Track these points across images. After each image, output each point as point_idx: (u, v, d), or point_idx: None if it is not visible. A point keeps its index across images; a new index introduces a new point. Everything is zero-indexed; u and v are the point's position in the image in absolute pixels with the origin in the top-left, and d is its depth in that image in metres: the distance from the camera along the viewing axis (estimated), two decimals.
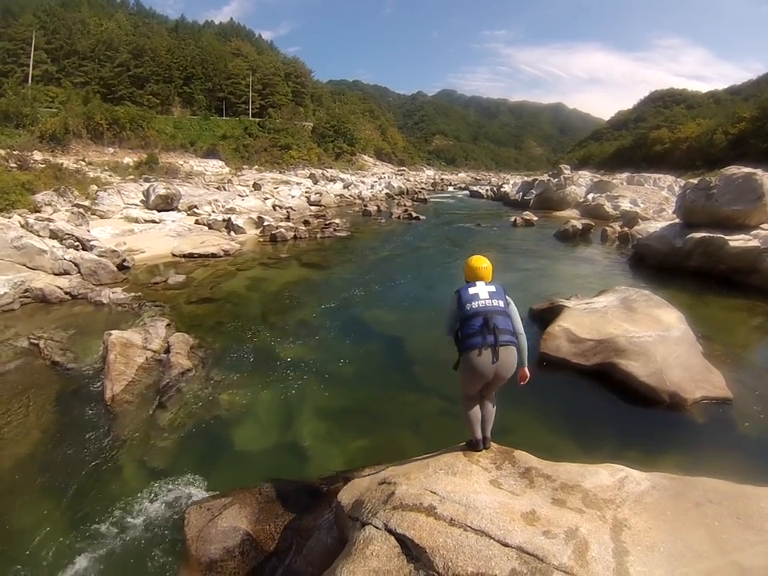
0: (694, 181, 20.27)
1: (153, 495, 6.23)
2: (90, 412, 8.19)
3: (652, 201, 35.71)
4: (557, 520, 3.35)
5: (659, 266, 18.47)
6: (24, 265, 14.69)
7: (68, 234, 17.31)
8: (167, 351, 9.90)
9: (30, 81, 51.21)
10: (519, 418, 8.04)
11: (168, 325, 11.38)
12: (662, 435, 7.55)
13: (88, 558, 5.29)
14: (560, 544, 3.10)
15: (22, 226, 16.57)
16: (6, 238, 14.74)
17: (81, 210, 22.47)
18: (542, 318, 11.70)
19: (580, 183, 41.19)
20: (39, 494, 6.35)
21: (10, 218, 17.99)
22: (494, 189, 58.54)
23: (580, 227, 27.07)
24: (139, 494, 6.25)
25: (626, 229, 25.60)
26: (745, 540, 3.32)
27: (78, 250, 16.62)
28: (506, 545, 3.06)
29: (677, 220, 20.90)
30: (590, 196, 38.87)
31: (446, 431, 7.47)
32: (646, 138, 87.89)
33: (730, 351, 10.60)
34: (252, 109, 78.55)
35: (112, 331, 10.13)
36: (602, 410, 8.51)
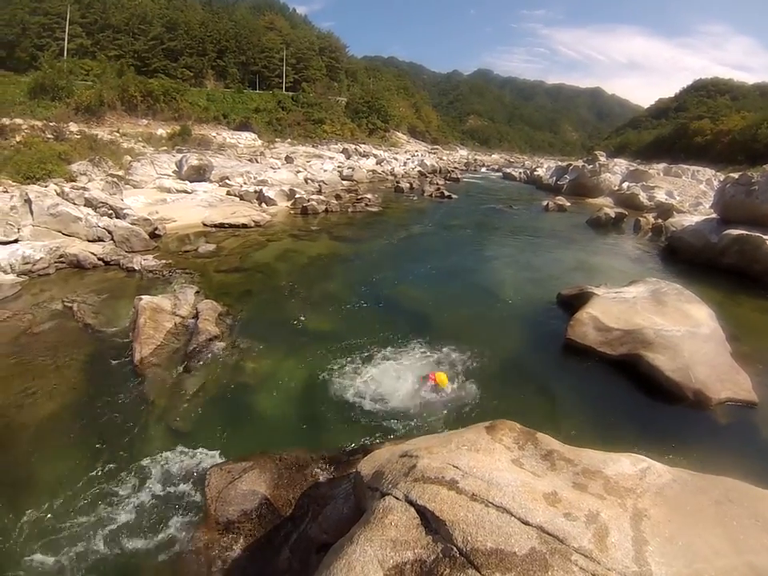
0: (735, 175, 19.52)
1: (176, 455, 6.44)
2: (119, 373, 8.48)
3: (689, 194, 34.59)
4: (578, 503, 3.33)
5: (692, 261, 17.98)
6: (60, 231, 15.11)
7: (102, 203, 17.65)
8: (195, 317, 10.11)
9: (65, 54, 51.75)
10: (542, 402, 8.09)
11: (197, 292, 11.61)
12: (683, 432, 7.45)
13: (111, 511, 5.52)
14: (581, 527, 3.09)
15: (58, 195, 16.93)
16: (43, 205, 15.14)
17: (115, 179, 22.83)
18: (570, 303, 11.62)
19: (615, 171, 40.16)
20: (68, 447, 6.62)
21: (46, 186, 18.40)
22: (528, 172, 57.44)
23: (613, 216, 26.48)
24: (163, 453, 6.47)
25: (659, 221, 24.93)
26: (762, 543, 3.29)
27: (111, 218, 16.96)
28: (526, 523, 3.06)
29: (713, 215, 20.29)
30: (625, 185, 37.89)
31: (468, 410, 7.53)
32: (686, 129, 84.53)
33: (759, 354, 10.23)
34: (286, 83, 78.05)
35: (142, 296, 10.39)
36: (624, 400, 8.43)
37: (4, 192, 17.25)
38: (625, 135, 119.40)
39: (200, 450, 6.53)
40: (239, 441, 6.81)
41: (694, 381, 8.11)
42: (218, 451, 6.52)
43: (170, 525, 5.39)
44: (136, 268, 13.85)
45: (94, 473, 6.12)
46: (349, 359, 8.98)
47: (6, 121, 29.25)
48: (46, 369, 8.64)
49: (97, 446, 6.66)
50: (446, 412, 7.51)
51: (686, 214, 25.54)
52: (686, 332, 9.33)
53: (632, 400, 8.42)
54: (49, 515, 5.46)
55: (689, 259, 18.24)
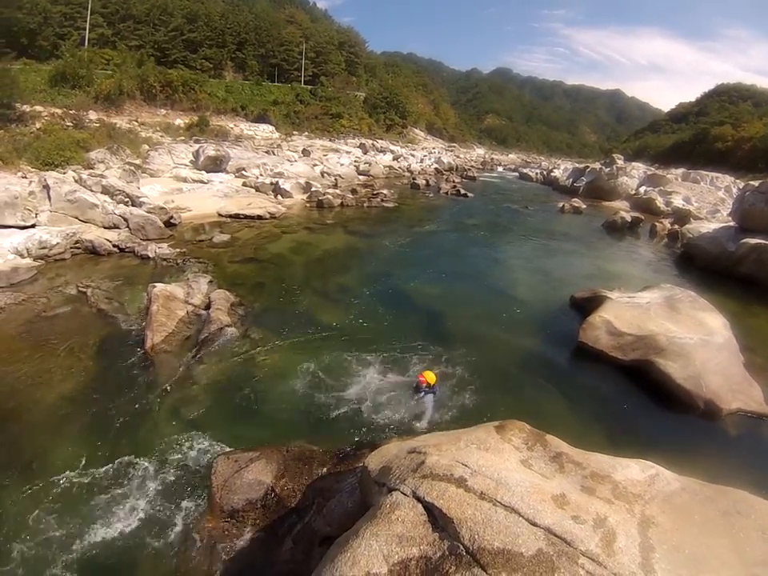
0: (755, 183, 19.23)
1: (183, 442, 6.50)
2: (130, 359, 8.56)
3: (707, 200, 34.12)
4: (586, 507, 3.31)
5: (707, 268, 17.75)
6: (76, 217, 15.32)
7: (119, 191, 17.85)
8: (208, 307, 10.21)
9: (86, 43, 51.74)
10: (552, 403, 8.05)
11: (210, 281, 11.69)
12: (692, 440, 7.40)
13: (118, 494, 5.60)
14: (588, 530, 3.08)
15: (75, 181, 17.16)
16: (61, 191, 15.38)
17: (132, 167, 23.05)
18: (583, 306, 11.57)
19: (632, 175, 39.59)
20: (78, 431, 6.72)
21: (64, 173, 18.64)
22: (544, 173, 57.01)
23: (629, 220, 26.28)
24: (170, 440, 6.54)
25: (676, 226, 24.68)
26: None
27: (127, 206, 17.14)
28: (534, 524, 3.05)
29: (731, 223, 20.02)
30: (642, 189, 37.43)
31: (477, 408, 7.51)
32: (706, 134, 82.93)
33: None
34: (304, 76, 77.47)
35: (156, 284, 10.47)
36: (634, 406, 8.38)
37: (23, 177, 17.51)
38: (644, 139, 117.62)
39: (207, 437, 6.59)
40: (246, 430, 6.86)
41: (706, 390, 8.03)
42: (225, 439, 6.57)
43: (174, 510, 5.45)
44: (150, 256, 13.98)
45: (101, 455, 6.22)
46: (359, 355, 9.00)
47: (26, 108, 29.58)
48: (59, 351, 8.77)
49: (105, 428, 6.76)
50: (454, 410, 7.51)
51: (704, 221, 25.20)
52: (699, 340, 9.22)
53: (642, 406, 8.36)
54: (57, 495, 5.56)
55: (704, 266, 18.02)
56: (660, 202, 33.30)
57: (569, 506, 3.27)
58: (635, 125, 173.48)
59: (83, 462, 6.11)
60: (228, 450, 6.32)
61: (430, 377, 7.47)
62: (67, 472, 5.88)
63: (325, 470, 5.84)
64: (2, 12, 43.14)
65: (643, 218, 27.59)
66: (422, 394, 7.47)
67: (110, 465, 6.06)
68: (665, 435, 7.46)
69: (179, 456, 6.25)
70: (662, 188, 36.62)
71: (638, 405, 8.40)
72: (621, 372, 9.08)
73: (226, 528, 5.19)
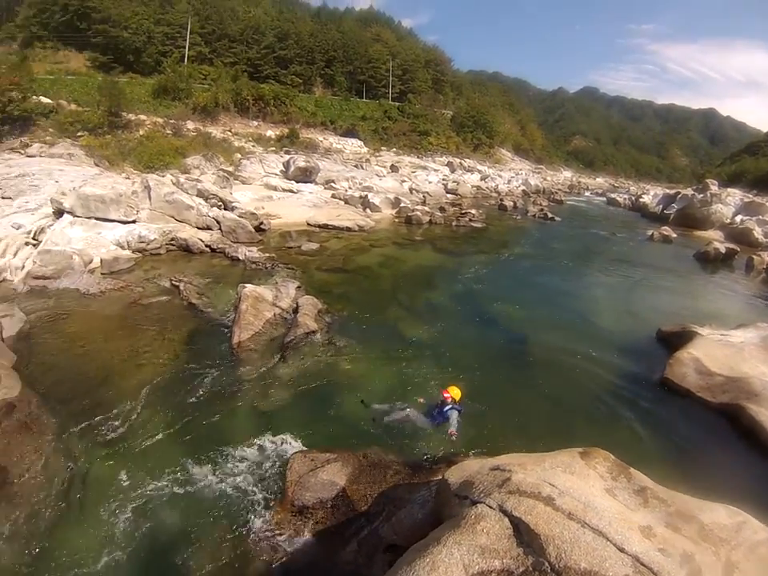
0: None
1: (261, 435, 6.87)
2: (217, 352, 9.20)
3: None
4: (672, 542, 3.28)
5: None
6: (172, 217, 16.73)
7: (213, 195, 19.23)
8: (295, 311, 10.69)
9: (186, 60, 56.72)
10: (633, 437, 7.80)
11: (298, 287, 12.18)
12: None
13: (191, 476, 6.04)
14: (675, 564, 3.05)
15: (173, 184, 18.69)
16: (160, 192, 16.86)
17: (225, 174, 24.71)
18: (671, 341, 11.02)
19: (728, 202, 36.77)
20: (160, 416, 7.26)
21: (164, 176, 20.36)
22: (632, 198, 54.26)
23: (723, 251, 24.35)
24: (249, 432, 6.95)
25: None
26: None
27: (220, 209, 18.43)
28: (622, 550, 3.06)
29: None
30: (738, 218, 34.69)
31: (552, 434, 7.34)
32: None
33: None
34: (392, 93, 78.93)
35: (246, 284, 11.13)
36: (720, 450, 7.87)
37: (126, 178, 19.39)
38: (740, 162, 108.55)
39: (285, 435, 6.91)
40: (323, 432, 7.13)
41: None
42: (302, 438, 6.86)
43: (245, 498, 5.78)
44: (240, 258, 14.87)
45: (180, 444, 6.69)
46: (439, 372, 9.09)
47: (131, 117, 32.72)
48: (151, 336, 9.61)
49: (187, 411, 7.31)
50: (532, 432, 7.45)
51: None
52: None
53: (729, 451, 7.86)
54: (133, 463, 6.14)
55: None
56: (758, 232, 30.74)
57: (656, 539, 3.25)
58: (731, 147, 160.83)
59: (162, 438, 6.69)
60: (304, 449, 6.61)
61: (455, 392, 7.26)
62: (145, 458, 6.39)
63: (398, 480, 5.98)
64: (110, 31, 48.09)
65: (739, 249, 25.49)
66: (447, 409, 7.14)
67: (187, 447, 6.56)
68: (753, 484, 6.96)
69: (256, 448, 6.63)
70: (760, 217, 33.80)
71: (725, 450, 7.90)
72: (707, 413, 8.58)
73: (294, 522, 5.46)
